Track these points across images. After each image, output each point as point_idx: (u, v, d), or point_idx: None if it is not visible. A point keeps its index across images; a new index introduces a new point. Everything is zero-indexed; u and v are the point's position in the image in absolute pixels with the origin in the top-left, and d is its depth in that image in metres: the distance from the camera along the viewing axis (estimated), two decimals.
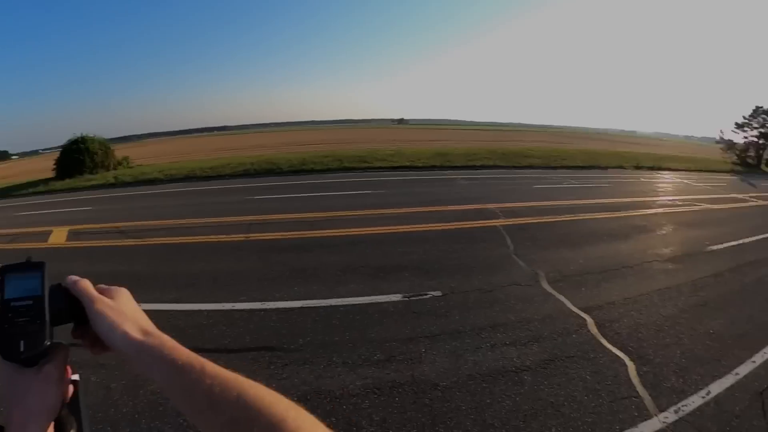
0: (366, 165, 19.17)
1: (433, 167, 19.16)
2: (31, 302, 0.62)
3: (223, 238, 8.76)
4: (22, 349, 0.58)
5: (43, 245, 10.49)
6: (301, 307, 5.22)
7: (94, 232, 11.04)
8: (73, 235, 10.99)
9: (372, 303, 5.35)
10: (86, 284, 0.65)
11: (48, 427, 0.59)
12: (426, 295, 5.66)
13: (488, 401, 3.75)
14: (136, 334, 0.59)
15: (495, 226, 9.53)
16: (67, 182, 24.07)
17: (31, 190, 24.89)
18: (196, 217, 11.00)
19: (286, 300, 5.44)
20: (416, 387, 3.86)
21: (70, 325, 0.66)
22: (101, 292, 0.66)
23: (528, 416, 3.58)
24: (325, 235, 8.43)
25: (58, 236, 11.19)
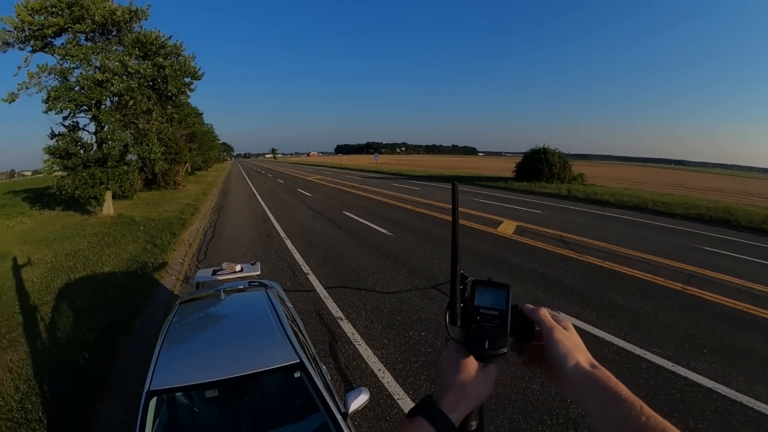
0: None
1: None
2: (497, 313, 0.77)
3: (658, 280, 8.28)
4: (486, 347, 0.74)
5: (492, 231, 12.63)
6: (710, 389, 4.55)
7: (539, 233, 12.41)
8: (519, 231, 12.74)
9: None
10: (545, 313, 0.77)
11: (469, 411, 0.74)
12: None
13: None
14: (585, 364, 0.69)
15: None
16: (524, 184, 28.92)
17: (492, 183, 31.13)
18: (635, 249, 10.69)
19: (699, 373, 4.81)
20: None
21: None
22: (554, 320, 0.76)
23: None
24: None
25: (507, 227, 12.59)
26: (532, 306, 0.78)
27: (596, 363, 0.70)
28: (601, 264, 9.22)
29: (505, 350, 0.75)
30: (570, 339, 0.73)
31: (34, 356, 5.46)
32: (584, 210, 18.41)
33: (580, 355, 0.71)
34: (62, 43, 15.36)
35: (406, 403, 4.23)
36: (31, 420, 4.13)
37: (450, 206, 0.81)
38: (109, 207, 17.72)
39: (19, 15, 13.91)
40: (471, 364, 0.75)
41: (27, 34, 14.47)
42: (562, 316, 4.13)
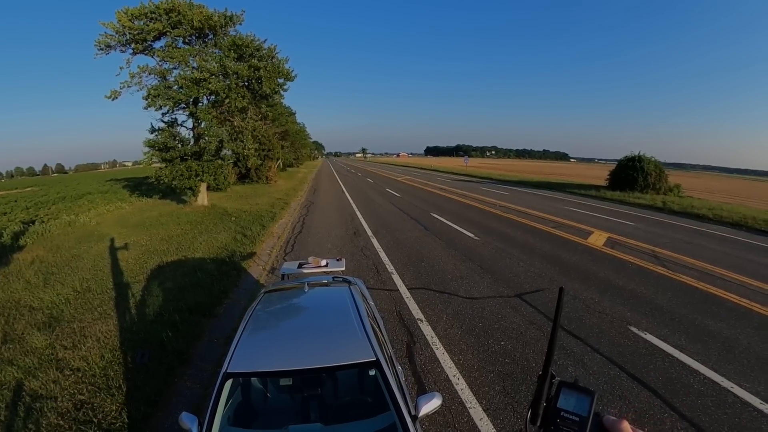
0: None
1: None
2: (577, 419, 0.76)
3: (755, 306, 7.27)
4: None
5: (581, 241, 12.23)
6: None
7: (630, 247, 11.75)
8: (610, 243, 12.17)
9: None
10: (627, 428, 0.74)
11: None
12: None
13: None
14: None
15: None
16: (617, 194, 26.94)
17: (583, 191, 29.38)
18: (732, 270, 9.57)
19: None
20: None
21: None
22: None
23: None
24: None
25: (597, 239, 12.65)
26: (613, 418, 0.78)
27: None
28: (694, 284, 8.43)
29: None
30: None
31: (121, 329, 5.88)
32: (680, 224, 16.84)
33: None
34: (162, 46, 16.78)
35: (478, 412, 4.15)
36: (111, 387, 4.48)
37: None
38: (203, 198, 19.07)
39: (120, 20, 15.35)
40: None
41: (128, 37, 15.92)
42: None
